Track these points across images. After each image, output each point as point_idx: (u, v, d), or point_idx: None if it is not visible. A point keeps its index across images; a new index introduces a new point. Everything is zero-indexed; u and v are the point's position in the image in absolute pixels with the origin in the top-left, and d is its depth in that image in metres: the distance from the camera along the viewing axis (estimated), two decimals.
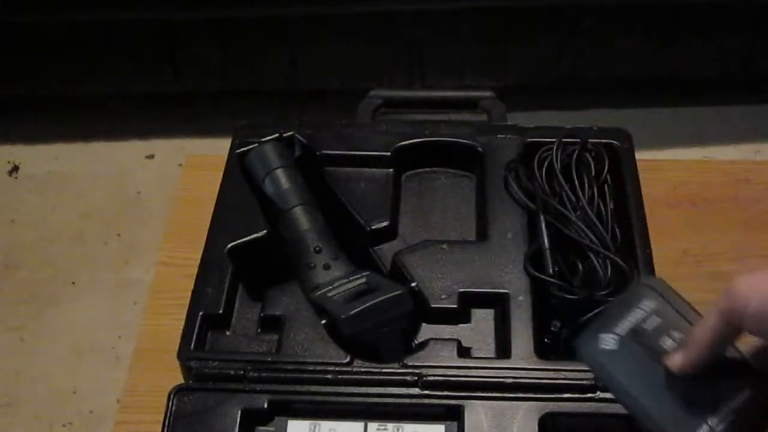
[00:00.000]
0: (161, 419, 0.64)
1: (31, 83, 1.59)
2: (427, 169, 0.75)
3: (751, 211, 0.80)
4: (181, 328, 0.63)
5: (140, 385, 0.69)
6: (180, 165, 1.12)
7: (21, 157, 1.61)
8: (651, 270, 0.64)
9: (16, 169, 1.60)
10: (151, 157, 1.60)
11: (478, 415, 0.58)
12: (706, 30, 1.49)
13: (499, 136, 0.74)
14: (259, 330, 0.65)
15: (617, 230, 0.68)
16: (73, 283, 1.41)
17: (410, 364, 0.60)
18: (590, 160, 0.70)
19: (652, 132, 1.54)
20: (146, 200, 1.53)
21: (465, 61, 1.50)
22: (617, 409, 0.57)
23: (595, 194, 0.69)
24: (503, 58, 1.51)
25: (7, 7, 1.42)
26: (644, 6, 1.47)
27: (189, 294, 0.64)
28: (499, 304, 0.64)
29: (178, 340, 0.63)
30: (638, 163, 0.73)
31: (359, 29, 1.48)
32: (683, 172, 0.83)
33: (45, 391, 1.27)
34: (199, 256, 0.66)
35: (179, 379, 0.63)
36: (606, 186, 0.70)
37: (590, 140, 0.71)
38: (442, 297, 0.64)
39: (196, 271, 0.65)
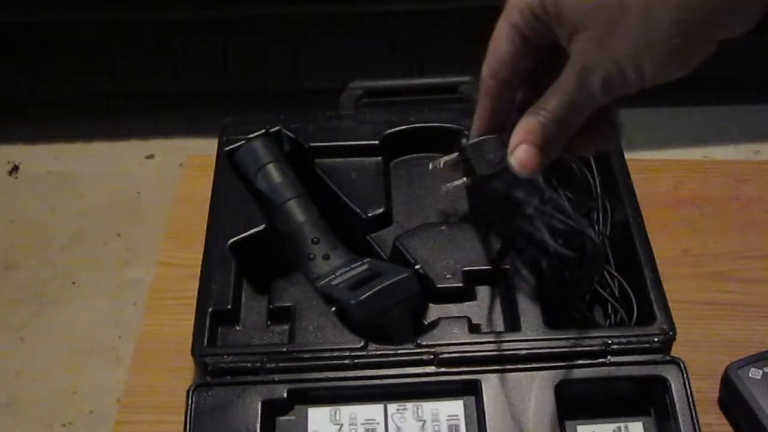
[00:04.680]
0: (161, 419, 0.64)
1: (31, 83, 1.59)
2: (414, 155, 0.76)
3: (751, 211, 0.80)
4: (182, 327, 0.63)
5: (140, 385, 0.69)
6: (180, 165, 1.12)
7: (21, 157, 1.62)
8: (644, 236, 0.66)
9: (16, 169, 1.60)
10: (151, 157, 1.61)
11: (496, 388, 0.59)
12: None
13: None
14: (269, 322, 0.66)
15: (606, 202, 0.69)
16: (73, 283, 1.41)
17: (424, 343, 0.61)
18: None
19: (652, 132, 1.55)
20: (146, 200, 1.53)
21: (465, 61, 1.50)
22: (628, 371, 0.60)
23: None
24: None
25: (7, 7, 1.42)
26: None
27: (189, 294, 0.64)
28: (503, 279, 0.65)
29: (179, 340, 0.63)
30: (638, 163, 0.73)
31: (359, 29, 1.48)
32: (683, 172, 0.83)
33: (45, 391, 1.27)
34: (199, 255, 0.66)
35: (180, 379, 0.63)
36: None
37: None
38: (447, 276, 0.65)
39: (195, 270, 0.66)
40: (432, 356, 0.60)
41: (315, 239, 0.67)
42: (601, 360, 0.60)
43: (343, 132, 0.75)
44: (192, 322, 0.62)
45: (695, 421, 0.58)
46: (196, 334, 0.62)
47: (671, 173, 0.83)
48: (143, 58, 1.53)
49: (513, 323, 0.63)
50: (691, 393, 0.59)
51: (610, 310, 0.65)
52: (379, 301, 0.61)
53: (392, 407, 0.60)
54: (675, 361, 0.60)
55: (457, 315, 0.64)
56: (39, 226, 1.50)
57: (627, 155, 0.72)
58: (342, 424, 0.59)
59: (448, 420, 0.59)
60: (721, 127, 1.60)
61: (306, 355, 0.60)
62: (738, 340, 0.70)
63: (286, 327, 0.64)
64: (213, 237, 0.67)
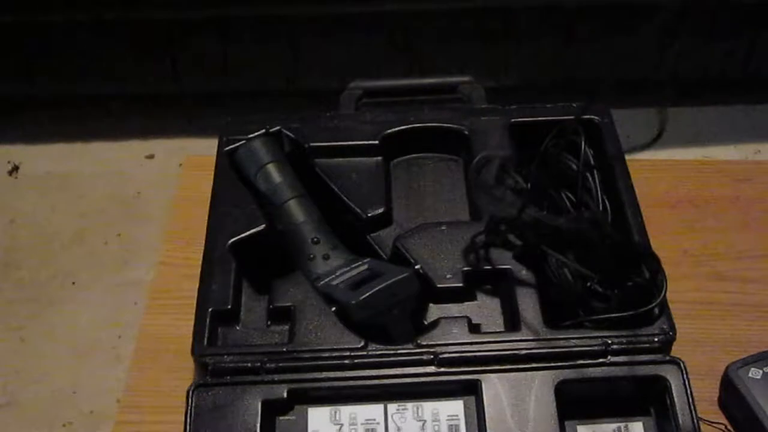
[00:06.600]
0: (161, 419, 0.64)
1: (30, 83, 1.59)
2: (414, 155, 0.77)
3: (751, 211, 0.80)
4: (182, 327, 0.63)
5: (140, 385, 0.69)
6: (180, 165, 1.12)
7: (21, 157, 1.61)
8: (644, 237, 0.66)
9: (16, 169, 1.60)
10: (151, 157, 1.60)
11: (496, 388, 0.59)
12: (706, 30, 1.49)
13: (482, 118, 0.76)
14: (269, 322, 0.66)
15: (607, 202, 0.69)
16: (73, 283, 1.41)
17: (424, 343, 0.61)
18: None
19: (652, 132, 1.54)
20: (146, 200, 1.53)
21: (465, 60, 1.50)
22: (628, 371, 0.60)
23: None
24: (503, 58, 1.51)
25: (7, 7, 1.42)
26: (644, 6, 1.47)
27: (189, 293, 0.64)
28: (503, 279, 0.66)
29: (179, 340, 0.63)
30: (638, 163, 0.74)
31: (359, 29, 1.48)
32: (683, 172, 0.84)
33: (45, 391, 1.27)
34: (199, 255, 0.66)
35: (180, 379, 0.63)
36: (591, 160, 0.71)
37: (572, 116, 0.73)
38: (447, 277, 0.66)
39: (195, 270, 0.66)
40: (432, 356, 0.60)
41: (315, 239, 0.67)
42: (601, 360, 0.60)
43: (343, 132, 0.75)
44: (192, 322, 0.62)
45: (695, 421, 0.58)
46: (196, 334, 0.62)
47: (671, 173, 0.83)
48: (143, 58, 1.53)
49: (513, 323, 0.63)
50: (691, 393, 0.59)
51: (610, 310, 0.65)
52: (379, 301, 0.61)
53: (392, 407, 0.60)
54: (675, 361, 0.60)
55: (457, 315, 0.64)
56: (39, 225, 1.50)
57: (627, 155, 0.73)
58: (342, 424, 0.59)
59: (448, 420, 0.59)
60: (721, 127, 1.60)
61: (306, 355, 0.60)
62: (738, 340, 0.70)
63: (286, 327, 0.64)
64: (213, 237, 0.67)
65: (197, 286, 0.65)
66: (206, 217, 0.69)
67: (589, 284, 0.62)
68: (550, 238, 0.62)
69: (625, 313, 0.62)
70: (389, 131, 0.75)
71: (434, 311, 0.66)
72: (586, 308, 0.63)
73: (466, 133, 0.75)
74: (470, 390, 0.60)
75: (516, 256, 0.66)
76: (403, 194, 0.74)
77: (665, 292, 0.62)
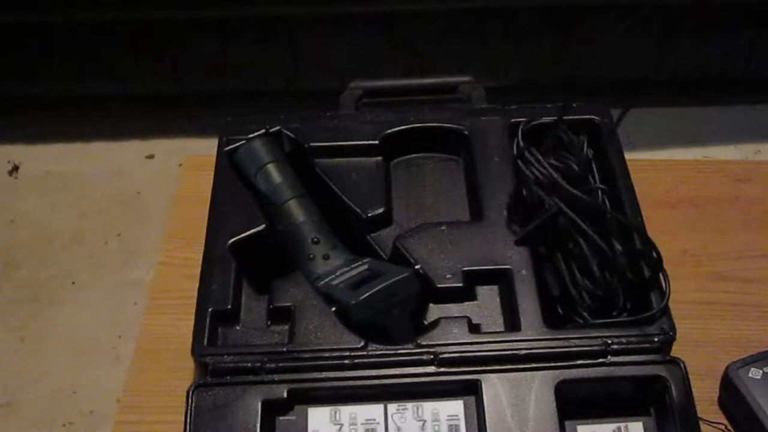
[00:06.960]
0: (161, 419, 0.64)
1: (30, 83, 1.59)
2: (414, 155, 0.77)
3: (751, 211, 0.80)
4: (182, 327, 0.63)
5: (140, 385, 0.69)
6: (180, 165, 1.12)
7: (21, 157, 1.61)
8: (645, 237, 0.65)
9: (16, 169, 1.60)
10: (151, 157, 1.60)
11: (496, 388, 0.59)
12: (706, 30, 1.49)
13: (482, 118, 0.76)
14: (269, 322, 0.66)
15: (607, 202, 0.69)
16: (73, 283, 1.41)
17: (424, 343, 0.61)
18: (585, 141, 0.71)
19: (652, 132, 1.54)
20: (146, 200, 1.53)
21: (465, 61, 1.50)
22: (628, 371, 0.60)
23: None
24: (503, 58, 1.51)
25: (7, 7, 1.42)
26: (644, 6, 1.48)
27: (189, 293, 0.64)
28: (503, 279, 0.66)
29: (179, 340, 0.63)
30: (638, 163, 0.74)
31: (359, 29, 1.48)
32: (683, 172, 0.84)
33: (45, 391, 1.27)
34: (199, 255, 0.66)
35: (180, 379, 0.63)
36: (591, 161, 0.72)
37: (571, 117, 0.73)
38: (447, 277, 0.66)
39: (195, 270, 0.66)
40: (432, 356, 0.60)
41: (315, 239, 0.67)
42: (601, 360, 0.60)
43: (343, 132, 0.75)
44: (192, 322, 0.62)
45: (695, 421, 0.58)
46: (196, 334, 0.62)
47: (671, 173, 0.83)
48: (143, 58, 1.53)
49: (513, 323, 0.63)
50: (691, 393, 0.59)
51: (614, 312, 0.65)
52: (379, 301, 0.61)
53: (392, 407, 0.60)
54: (675, 361, 0.60)
55: (457, 315, 0.64)
56: (39, 225, 1.50)
57: (627, 155, 0.73)
58: (342, 424, 0.59)
59: (448, 420, 0.59)
60: (721, 127, 1.60)
61: (306, 355, 0.60)
62: (738, 340, 0.70)
63: (286, 327, 0.64)
64: (213, 237, 0.67)
65: (197, 286, 0.65)
66: (206, 217, 0.69)
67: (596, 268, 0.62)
68: (566, 204, 0.63)
69: (627, 318, 0.62)
70: (389, 131, 0.75)
71: (434, 311, 0.66)
72: (587, 296, 0.63)
73: (466, 133, 0.75)
74: (470, 390, 0.60)
75: (522, 242, 0.66)
76: (403, 194, 0.74)
77: (668, 297, 0.62)
